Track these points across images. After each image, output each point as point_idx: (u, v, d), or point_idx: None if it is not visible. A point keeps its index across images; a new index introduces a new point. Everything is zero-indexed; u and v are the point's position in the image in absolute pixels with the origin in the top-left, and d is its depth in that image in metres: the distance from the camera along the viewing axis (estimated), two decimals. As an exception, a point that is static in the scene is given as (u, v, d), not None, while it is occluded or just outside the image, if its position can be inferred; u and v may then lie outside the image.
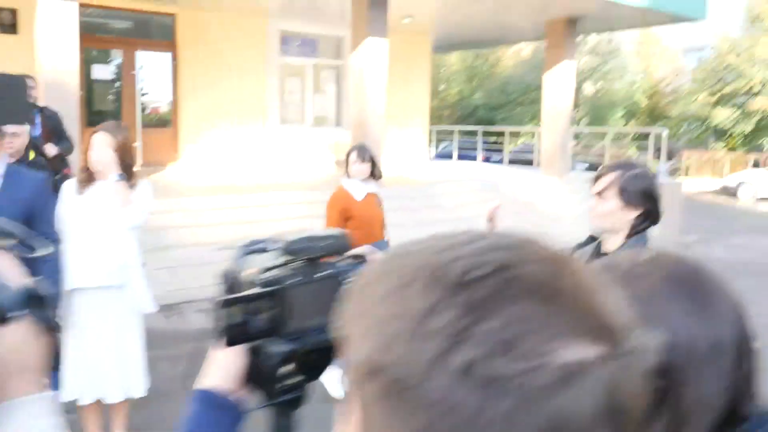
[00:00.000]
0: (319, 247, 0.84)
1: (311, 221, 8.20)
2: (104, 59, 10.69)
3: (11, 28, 8.51)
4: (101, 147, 3.17)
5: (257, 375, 0.77)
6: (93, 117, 10.38)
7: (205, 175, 10.22)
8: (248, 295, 0.76)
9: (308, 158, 12.09)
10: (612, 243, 2.14)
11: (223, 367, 0.76)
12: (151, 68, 11.04)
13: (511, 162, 15.00)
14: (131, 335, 3.29)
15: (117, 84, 10.77)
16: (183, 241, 6.97)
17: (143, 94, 10.99)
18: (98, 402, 3.24)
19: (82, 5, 9.82)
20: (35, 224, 3.04)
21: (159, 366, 3.93)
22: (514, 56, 26.53)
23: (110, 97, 10.78)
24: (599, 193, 2.12)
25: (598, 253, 2.21)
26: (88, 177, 3.25)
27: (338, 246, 0.87)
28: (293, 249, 0.83)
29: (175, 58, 10.94)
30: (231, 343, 0.73)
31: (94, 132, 3.24)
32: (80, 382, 3.16)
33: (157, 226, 6.90)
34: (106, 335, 3.22)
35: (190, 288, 6.45)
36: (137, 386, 3.29)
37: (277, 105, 11.96)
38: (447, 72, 26.72)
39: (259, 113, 11.69)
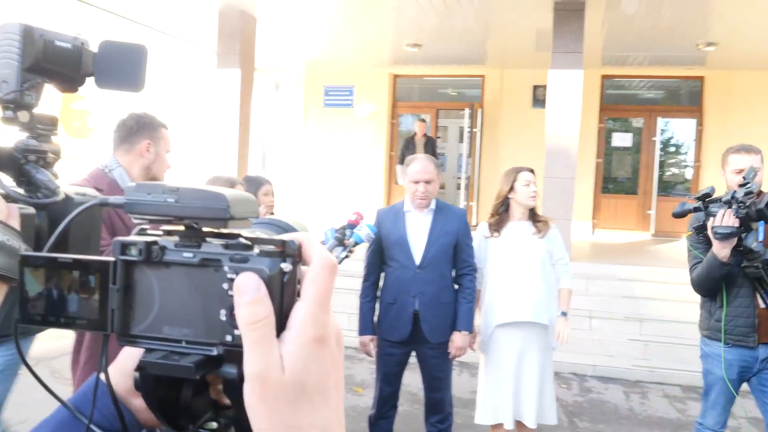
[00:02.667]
0: (212, 209, 0.45)
1: None
2: (624, 128, 10.94)
3: (542, 102, 9.64)
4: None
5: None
6: (608, 184, 10.75)
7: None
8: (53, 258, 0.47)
9: None
10: None
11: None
12: (672, 135, 10.71)
13: None
14: (547, 370, 3.45)
15: (635, 152, 10.84)
16: (662, 314, 6.40)
17: (662, 162, 10.73)
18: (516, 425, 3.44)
19: (605, 77, 10.41)
20: (459, 252, 3.43)
21: None
22: None
23: (627, 165, 10.92)
24: None
25: None
26: (501, 219, 3.48)
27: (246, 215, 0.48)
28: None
29: (700, 124, 10.33)
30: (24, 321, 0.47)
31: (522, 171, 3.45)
32: (499, 409, 3.39)
33: (636, 294, 6.58)
34: (527, 369, 3.38)
35: (659, 368, 5.90)
36: (550, 415, 3.45)
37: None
38: None
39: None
